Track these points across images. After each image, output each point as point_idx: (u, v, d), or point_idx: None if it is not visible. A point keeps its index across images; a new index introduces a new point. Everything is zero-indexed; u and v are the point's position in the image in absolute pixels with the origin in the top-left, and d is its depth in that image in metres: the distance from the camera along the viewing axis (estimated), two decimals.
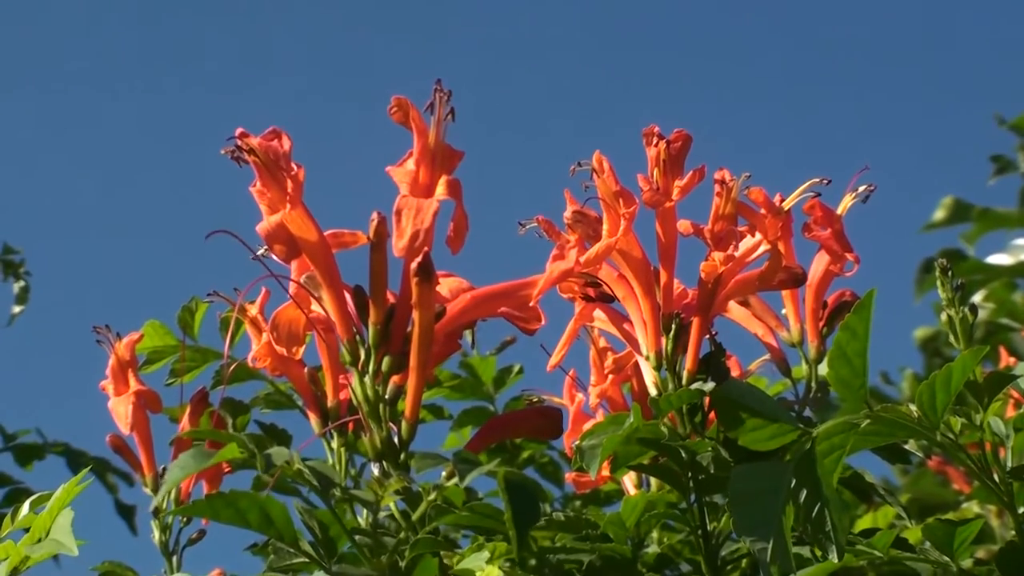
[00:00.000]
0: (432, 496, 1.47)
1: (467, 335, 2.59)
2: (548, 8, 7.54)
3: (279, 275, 1.64)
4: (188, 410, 1.90)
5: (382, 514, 1.52)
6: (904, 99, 7.30)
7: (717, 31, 7.59)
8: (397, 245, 1.53)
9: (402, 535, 1.50)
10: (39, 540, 1.66)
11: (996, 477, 1.60)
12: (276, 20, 7.29)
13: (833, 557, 1.43)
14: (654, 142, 1.61)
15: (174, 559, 1.87)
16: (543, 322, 1.64)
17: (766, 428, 1.46)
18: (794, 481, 1.44)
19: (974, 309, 1.68)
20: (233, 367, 1.94)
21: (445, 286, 1.65)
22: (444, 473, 1.46)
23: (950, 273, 1.68)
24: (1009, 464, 1.61)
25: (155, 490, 1.90)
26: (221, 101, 6.60)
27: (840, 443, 1.42)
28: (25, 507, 1.74)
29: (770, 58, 7.51)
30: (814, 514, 1.43)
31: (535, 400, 1.96)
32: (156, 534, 1.88)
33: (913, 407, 1.48)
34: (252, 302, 1.76)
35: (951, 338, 1.66)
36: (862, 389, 1.44)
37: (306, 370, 1.70)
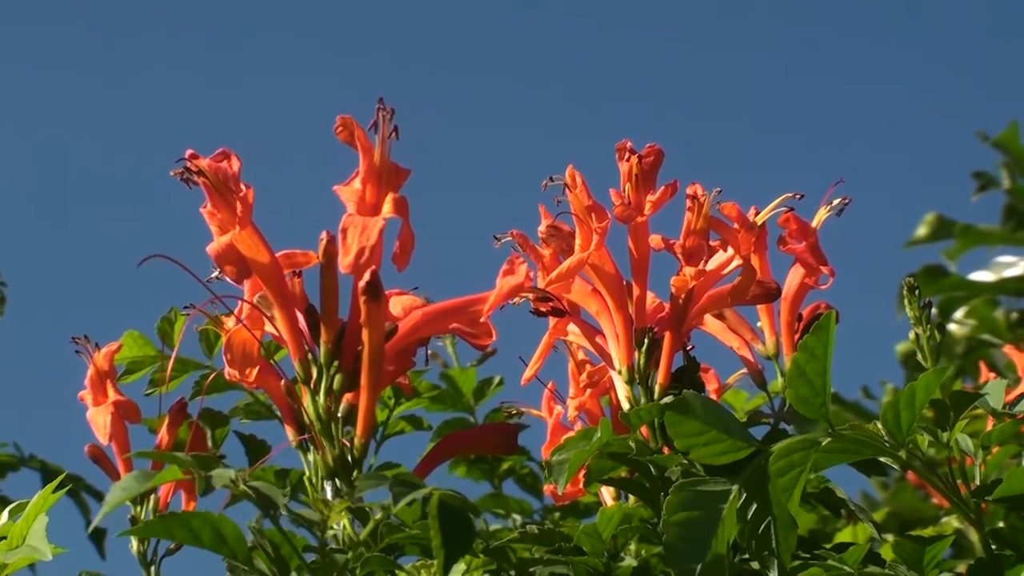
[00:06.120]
0: (379, 516, 1.48)
1: (446, 347, 2.61)
2: (518, 25, 7.55)
3: (230, 295, 1.65)
4: (167, 421, 1.90)
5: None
6: (890, 115, 7.31)
7: (693, 43, 7.61)
8: (343, 262, 1.53)
9: (350, 554, 1.50)
10: (16, 547, 1.66)
11: (964, 494, 1.60)
12: (249, 38, 7.31)
13: (774, 575, 1.44)
14: (626, 157, 1.62)
15: (152, 569, 1.88)
16: (494, 337, 1.64)
17: (719, 443, 1.46)
18: (744, 496, 1.44)
19: (942, 328, 1.69)
20: (212, 377, 1.95)
21: (398, 304, 1.65)
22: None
23: (918, 292, 1.69)
24: (977, 479, 1.62)
25: (134, 502, 1.90)
26: (194, 113, 6.61)
27: (800, 461, 1.42)
28: (4, 515, 1.74)
29: (748, 72, 7.52)
30: (760, 530, 1.43)
31: (513, 412, 1.96)
32: (134, 544, 1.88)
33: (880, 425, 1.48)
34: (228, 314, 1.76)
35: (918, 356, 1.67)
36: (823, 408, 1.43)
37: (283, 383, 1.70)
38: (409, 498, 1.38)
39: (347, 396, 1.57)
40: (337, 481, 1.55)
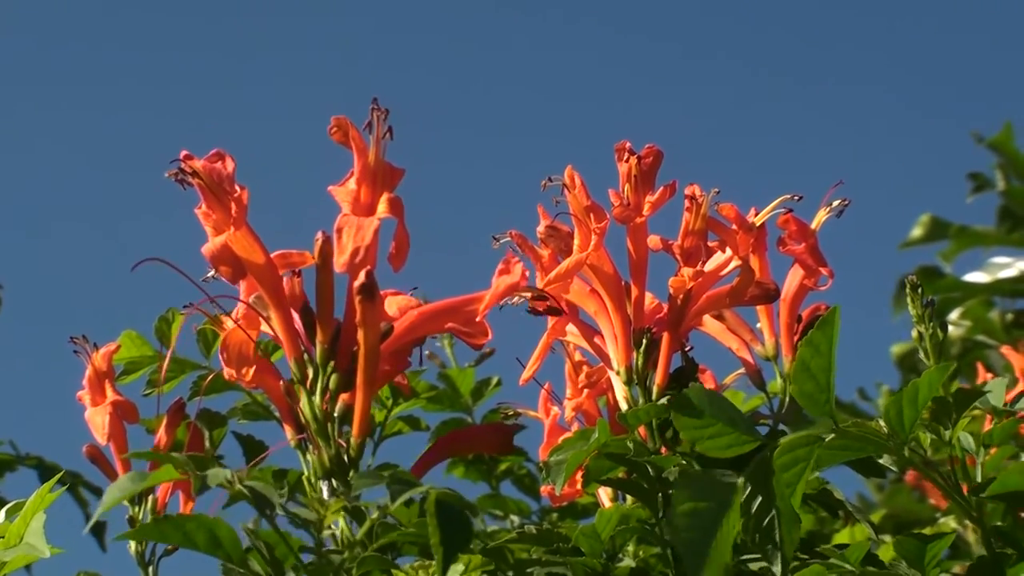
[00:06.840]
0: (375, 515, 1.48)
1: (444, 348, 2.61)
2: (518, 27, 7.56)
3: (227, 296, 1.65)
4: (165, 421, 1.90)
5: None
6: (885, 117, 7.32)
7: (692, 44, 7.61)
8: (338, 261, 1.54)
9: (346, 554, 1.50)
10: (13, 546, 1.66)
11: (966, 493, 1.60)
12: (241, 37, 7.31)
13: (777, 570, 1.44)
14: (625, 157, 1.62)
15: (150, 569, 1.88)
16: (489, 336, 1.65)
17: (724, 436, 1.46)
18: (748, 490, 1.44)
19: (944, 326, 1.69)
20: (211, 378, 1.95)
21: (394, 304, 1.66)
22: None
23: (920, 290, 1.69)
24: (979, 478, 1.62)
25: (132, 502, 1.90)
26: (186, 116, 6.61)
27: (804, 456, 1.42)
28: (1, 515, 1.74)
29: (746, 73, 7.52)
30: (764, 524, 1.43)
31: (511, 413, 1.97)
32: (132, 544, 1.88)
33: (882, 422, 1.48)
34: (227, 314, 1.77)
35: (921, 354, 1.67)
36: (827, 404, 1.44)
37: (281, 383, 1.71)
38: (406, 495, 1.38)
39: (343, 396, 1.58)
40: (333, 481, 1.55)
